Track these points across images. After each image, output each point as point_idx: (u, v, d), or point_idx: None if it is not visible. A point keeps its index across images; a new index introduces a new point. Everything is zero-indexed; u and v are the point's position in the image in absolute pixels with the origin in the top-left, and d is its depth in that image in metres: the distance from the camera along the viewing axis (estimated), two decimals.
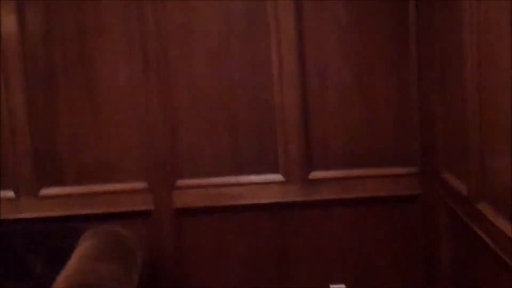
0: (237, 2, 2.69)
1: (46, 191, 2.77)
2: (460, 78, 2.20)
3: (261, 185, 2.77)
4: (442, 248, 2.62)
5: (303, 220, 2.79)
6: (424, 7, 2.62)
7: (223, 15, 2.69)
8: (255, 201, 2.78)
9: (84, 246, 2.38)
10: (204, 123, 2.76)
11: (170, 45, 2.70)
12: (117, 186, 2.78)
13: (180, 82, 2.73)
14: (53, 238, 2.58)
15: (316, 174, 2.77)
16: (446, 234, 2.57)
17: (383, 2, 2.66)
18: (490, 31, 1.90)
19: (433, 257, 2.69)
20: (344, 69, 2.71)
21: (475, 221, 2.12)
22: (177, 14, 2.69)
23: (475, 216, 2.11)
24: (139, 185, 2.78)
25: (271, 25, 2.68)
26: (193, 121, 2.76)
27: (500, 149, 1.91)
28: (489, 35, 1.92)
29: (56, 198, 2.75)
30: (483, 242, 2.04)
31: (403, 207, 2.76)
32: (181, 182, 2.78)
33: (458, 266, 2.50)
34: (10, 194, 2.76)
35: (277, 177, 2.77)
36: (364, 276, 2.81)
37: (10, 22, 2.66)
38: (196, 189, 2.78)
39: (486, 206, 2.04)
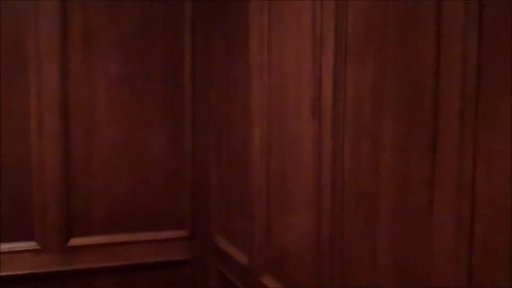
0: None
1: None
2: (245, 144, 2.15)
3: (12, 254, 2.43)
4: None
5: None
6: (202, 64, 2.55)
7: None
8: (3, 272, 2.41)
9: None
10: None
11: None
12: None
13: None
14: None
15: (76, 241, 2.51)
16: None
17: (159, 52, 2.53)
18: (283, 94, 1.88)
19: None
20: (113, 123, 2.51)
21: None
22: None
23: None
24: None
25: (30, 74, 2.37)
26: None
27: (282, 222, 1.88)
28: (280, 101, 1.90)
29: None
30: None
31: (172, 273, 2.62)
32: None
33: None
34: None
35: (31, 244, 2.45)
36: None
37: None
38: None
39: (269, 279, 1.99)
